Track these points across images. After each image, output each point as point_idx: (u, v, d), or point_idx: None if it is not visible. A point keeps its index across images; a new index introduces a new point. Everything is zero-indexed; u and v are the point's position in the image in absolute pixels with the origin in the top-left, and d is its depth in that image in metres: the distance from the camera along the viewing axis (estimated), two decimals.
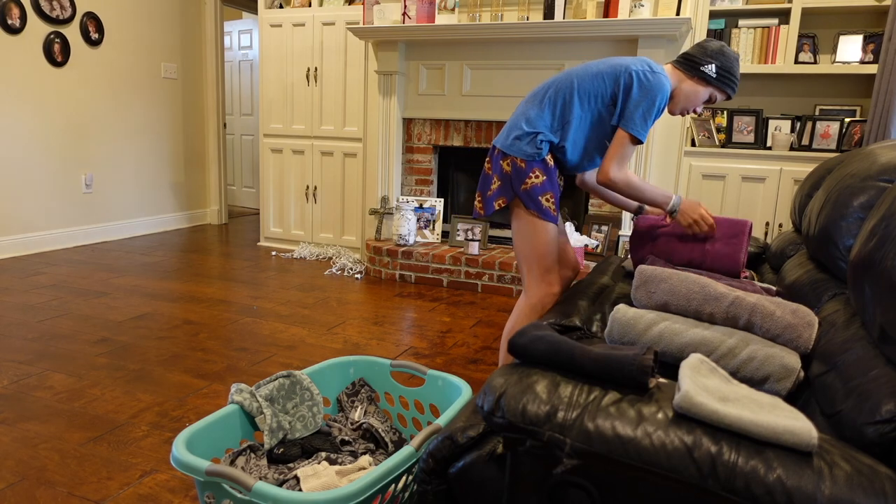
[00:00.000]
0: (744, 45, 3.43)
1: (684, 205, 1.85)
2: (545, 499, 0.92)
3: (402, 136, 4.26)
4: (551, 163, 1.86)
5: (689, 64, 1.86)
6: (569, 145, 1.87)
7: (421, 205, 4.20)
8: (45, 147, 4.40)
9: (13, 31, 4.09)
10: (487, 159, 1.95)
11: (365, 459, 1.41)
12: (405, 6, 3.89)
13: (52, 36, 4.32)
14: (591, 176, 2.13)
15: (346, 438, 1.54)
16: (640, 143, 1.78)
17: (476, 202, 1.96)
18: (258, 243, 5.00)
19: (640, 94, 1.76)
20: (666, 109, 1.93)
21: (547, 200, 1.85)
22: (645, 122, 1.77)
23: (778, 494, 0.77)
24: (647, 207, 2.12)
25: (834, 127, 3.33)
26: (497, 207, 1.89)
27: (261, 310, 3.26)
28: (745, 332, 1.29)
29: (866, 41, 3.27)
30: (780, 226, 3.40)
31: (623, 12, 3.47)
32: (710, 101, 1.90)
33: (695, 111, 1.92)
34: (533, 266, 1.91)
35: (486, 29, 3.67)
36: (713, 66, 1.84)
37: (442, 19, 3.86)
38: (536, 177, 1.84)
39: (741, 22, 3.44)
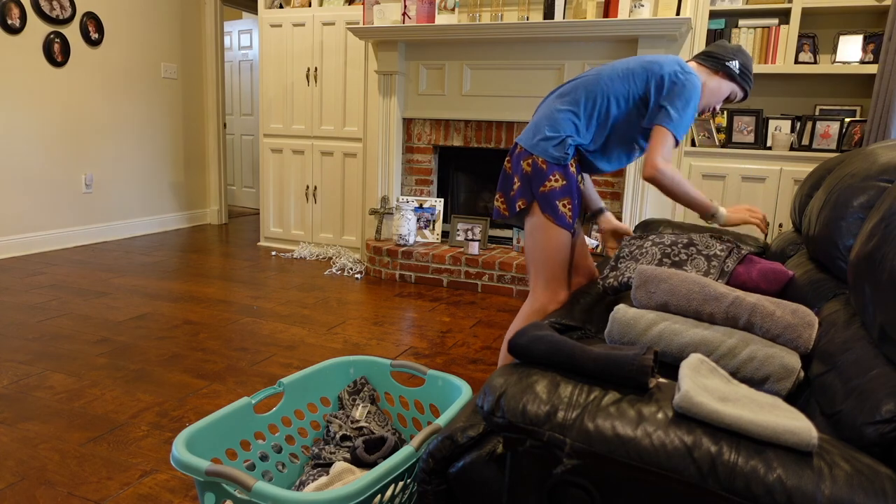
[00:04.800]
0: (744, 45, 3.42)
1: (731, 211, 1.85)
2: (545, 499, 0.92)
3: (402, 136, 4.26)
4: (573, 168, 1.82)
5: (714, 60, 1.87)
6: (598, 148, 1.84)
7: (421, 205, 4.20)
8: (45, 147, 4.40)
9: (13, 31, 4.09)
10: (508, 158, 1.90)
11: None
12: (405, 6, 3.89)
13: (52, 36, 4.32)
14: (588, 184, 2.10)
15: (347, 433, 1.54)
16: (678, 142, 1.75)
17: (498, 202, 1.91)
18: (258, 243, 5.00)
19: (675, 95, 1.74)
20: None
21: (564, 206, 1.79)
22: (682, 122, 1.74)
23: (778, 494, 0.77)
24: (608, 214, 2.09)
25: (834, 127, 3.33)
26: (519, 209, 1.84)
27: (261, 310, 3.26)
28: (745, 332, 1.29)
29: (866, 41, 3.27)
30: (780, 226, 3.40)
31: (623, 12, 3.47)
32: (728, 99, 1.91)
33: (714, 109, 1.92)
34: (540, 271, 1.86)
35: (486, 29, 3.67)
36: (736, 62, 1.85)
37: (442, 19, 3.86)
38: (556, 180, 1.79)
39: (741, 22, 3.44)
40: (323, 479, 1.33)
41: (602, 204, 2.08)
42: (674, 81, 1.75)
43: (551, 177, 1.79)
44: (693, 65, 1.91)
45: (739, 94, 1.91)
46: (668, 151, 1.74)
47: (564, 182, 1.79)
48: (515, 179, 1.84)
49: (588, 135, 1.82)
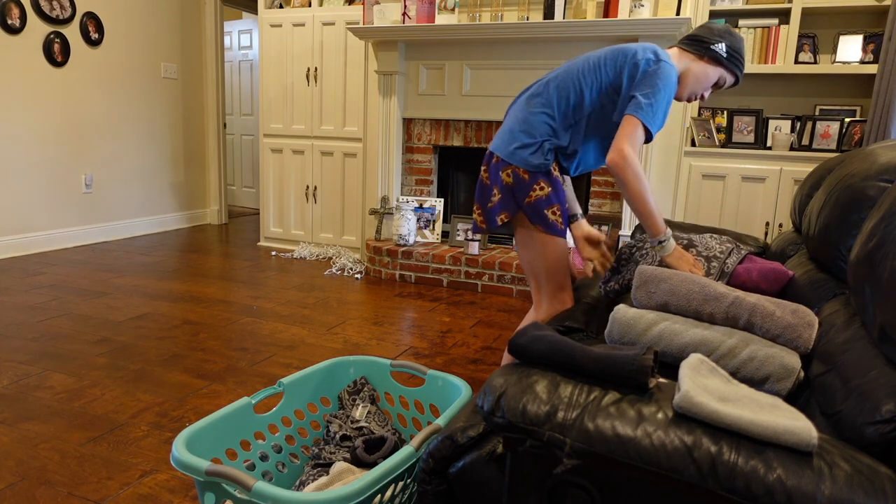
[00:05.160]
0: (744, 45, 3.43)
1: (678, 251, 1.62)
2: (545, 499, 0.92)
3: (402, 136, 4.26)
4: (556, 171, 1.73)
5: (698, 44, 1.72)
6: (577, 148, 1.74)
7: (421, 205, 4.20)
8: (45, 147, 4.40)
9: (13, 31, 4.09)
10: (484, 167, 1.79)
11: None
12: (405, 6, 3.89)
13: (52, 36, 4.32)
14: None
15: (347, 433, 1.54)
16: (650, 133, 1.61)
17: (476, 215, 1.81)
18: (258, 243, 5.00)
19: (646, 84, 1.62)
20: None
21: (553, 213, 1.72)
22: (654, 113, 1.61)
23: (778, 494, 0.77)
24: (581, 220, 1.91)
25: (834, 127, 3.33)
26: (500, 222, 1.75)
27: (261, 310, 3.26)
28: (745, 332, 1.29)
29: (866, 41, 3.27)
30: (781, 226, 3.40)
31: (623, 12, 3.47)
32: (718, 85, 1.76)
33: (702, 97, 1.78)
34: (543, 283, 1.80)
35: (486, 29, 3.67)
36: (723, 44, 1.71)
37: (442, 19, 3.86)
38: (541, 188, 1.70)
39: (741, 22, 3.44)
40: (323, 479, 1.33)
41: (578, 209, 1.92)
42: (645, 70, 1.64)
43: (535, 186, 1.70)
44: (675, 51, 1.77)
45: (729, 80, 1.75)
46: (636, 142, 1.60)
47: (550, 189, 1.71)
48: (495, 191, 1.74)
49: (566, 136, 1.73)
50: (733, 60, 1.73)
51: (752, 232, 3.46)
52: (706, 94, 1.78)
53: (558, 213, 1.73)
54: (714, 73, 1.74)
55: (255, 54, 6.34)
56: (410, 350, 2.76)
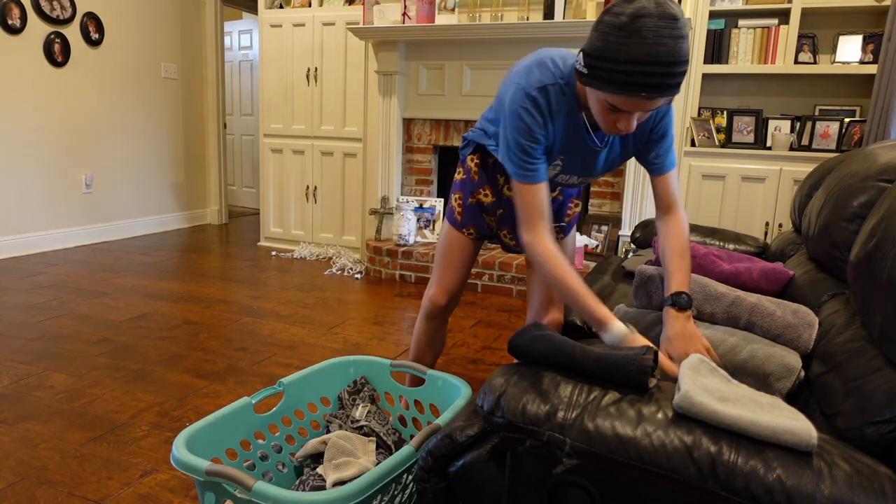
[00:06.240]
0: (744, 46, 3.43)
1: (633, 338, 1.16)
2: (545, 498, 0.92)
3: (402, 136, 4.26)
4: (472, 163, 1.65)
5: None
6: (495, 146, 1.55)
7: (421, 205, 4.20)
8: (45, 147, 4.40)
9: (13, 31, 4.09)
10: None
11: (366, 459, 1.41)
12: (405, 6, 3.89)
13: (52, 36, 4.32)
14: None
15: (347, 433, 1.54)
16: (526, 182, 1.29)
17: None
18: (258, 243, 5.00)
19: (504, 120, 1.32)
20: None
21: (455, 199, 1.70)
22: (509, 156, 1.30)
23: (778, 494, 0.77)
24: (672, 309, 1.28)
25: (834, 127, 3.33)
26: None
27: (261, 310, 3.26)
28: (746, 331, 1.29)
29: (866, 41, 3.27)
30: (780, 226, 3.40)
31: None
32: (618, 110, 1.16)
33: (621, 128, 1.19)
34: (433, 265, 1.76)
35: (486, 29, 3.67)
36: (582, 53, 1.16)
37: (442, 19, 3.86)
38: (458, 172, 1.70)
39: (741, 22, 3.44)
40: (340, 459, 1.35)
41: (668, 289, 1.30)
42: (508, 100, 1.31)
43: (458, 168, 1.71)
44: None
45: (612, 101, 1.14)
46: (526, 208, 1.30)
47: (463, 176, 1.68)
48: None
49: (491, 140, 1.56)
50: (595, 71, 1.13)
51: (752, 232, 3.46)
52: (622, 127, 1.19)
53: (459, 201, 1.69)
54: (591, 96, 1.20)
55: (255, 54, 6.34)
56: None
